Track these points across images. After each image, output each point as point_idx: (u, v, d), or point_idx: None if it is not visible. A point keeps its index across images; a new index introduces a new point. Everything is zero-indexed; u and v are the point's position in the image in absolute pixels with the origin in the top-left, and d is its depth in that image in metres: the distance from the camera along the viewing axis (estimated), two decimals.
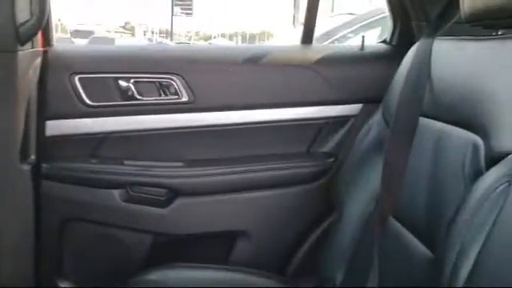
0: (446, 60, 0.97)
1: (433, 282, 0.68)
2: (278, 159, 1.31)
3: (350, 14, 2.77)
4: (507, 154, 0.68)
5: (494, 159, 0.71)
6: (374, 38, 1.46)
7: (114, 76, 1.22)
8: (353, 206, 1.11)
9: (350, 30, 2.17)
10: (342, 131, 1.33)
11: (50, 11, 1.11)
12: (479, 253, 0.61)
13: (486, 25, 0.90)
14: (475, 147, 0.76)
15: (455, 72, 0.92)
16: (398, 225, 0.92)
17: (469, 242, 0.64)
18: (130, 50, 1.37)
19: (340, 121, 1.33)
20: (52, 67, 1.18)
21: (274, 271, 1.25)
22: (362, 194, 1.09)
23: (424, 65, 1.00)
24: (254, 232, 1.28)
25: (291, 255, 1.31)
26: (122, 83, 1.22)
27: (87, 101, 1.20)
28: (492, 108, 0.76)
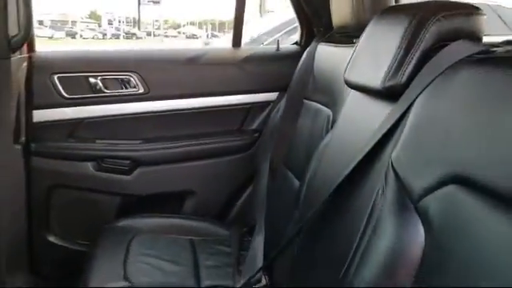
0: (322, 60, 1.36)
1: (298, 201, 1.08)
2: (216, 135, 1.68)
3: None
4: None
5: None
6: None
7: (86, 75, 1.55)
8: (267, 166, 1.50)
9: (276, 36, 2.56)
10: (265, 113, 1.71)
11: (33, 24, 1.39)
12: (310, 177, 1.02)
13: (347, 35, 1.31)
14: (328, 117, 1.17)
15: (325, 69, 1.32)
16: (286, 170, 1.32)
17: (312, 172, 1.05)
18: (98, 53, 1.70)
19: (263, 105, 1.71)
20: (36, 69, 1.48)
21: (215, 219, 1.63)
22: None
23: (309, 63, 1.39)
24: (199, 191, 1.65)
25: (228, 207, 1.69)
26: (92, 80, 1.55)
27: (65, 94, 1.52)
28: (338, 93, 1.17)
